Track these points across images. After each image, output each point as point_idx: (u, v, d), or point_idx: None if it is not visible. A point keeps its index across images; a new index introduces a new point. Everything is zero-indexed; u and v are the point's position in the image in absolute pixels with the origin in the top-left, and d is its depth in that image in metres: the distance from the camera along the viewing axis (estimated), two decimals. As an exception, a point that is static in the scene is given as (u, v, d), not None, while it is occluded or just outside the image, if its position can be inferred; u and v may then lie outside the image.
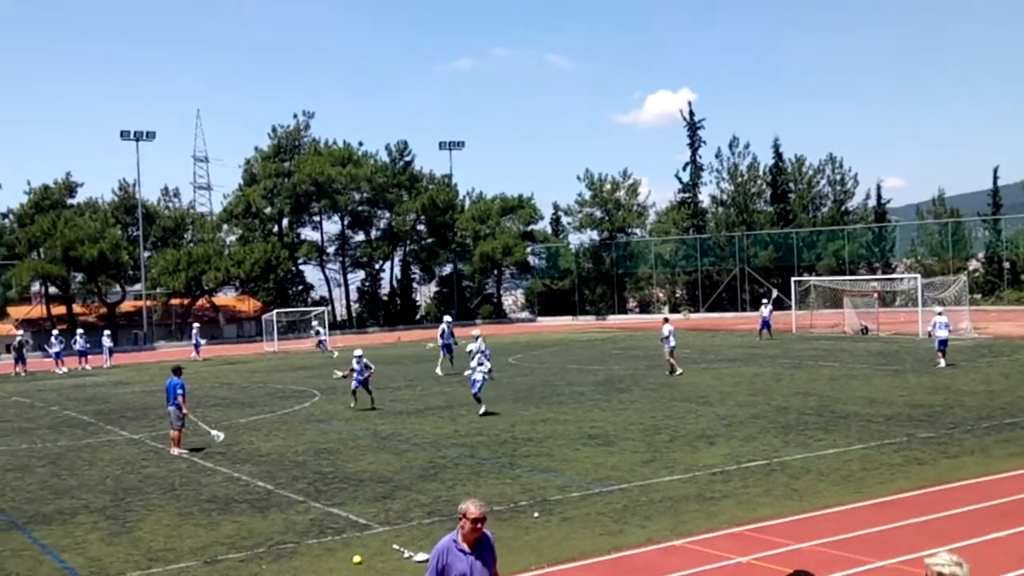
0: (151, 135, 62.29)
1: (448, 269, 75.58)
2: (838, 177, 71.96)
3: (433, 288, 78.13)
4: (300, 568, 10.27)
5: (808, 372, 27.51)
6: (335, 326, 63.52)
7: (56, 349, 42.61)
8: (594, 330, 57.93)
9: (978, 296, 58.86)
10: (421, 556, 10.22)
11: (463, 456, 16.43)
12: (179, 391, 18.23)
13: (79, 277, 61.95)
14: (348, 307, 73.28)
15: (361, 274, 74.54)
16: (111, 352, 44.24)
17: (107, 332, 46.32)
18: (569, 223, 76.40)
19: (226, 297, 69.91)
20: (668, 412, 20.54)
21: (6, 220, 64.51)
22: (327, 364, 35.40)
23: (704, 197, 74.30)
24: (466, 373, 22.58)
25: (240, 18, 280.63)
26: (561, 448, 16.73)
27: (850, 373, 26.83)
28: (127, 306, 64.36)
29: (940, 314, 29.22)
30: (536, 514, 12.05)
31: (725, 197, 72.73)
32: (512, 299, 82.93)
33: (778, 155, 71.71)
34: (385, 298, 74.60)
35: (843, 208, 71.56)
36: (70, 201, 65.23)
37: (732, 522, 11.27)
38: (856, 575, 9.26)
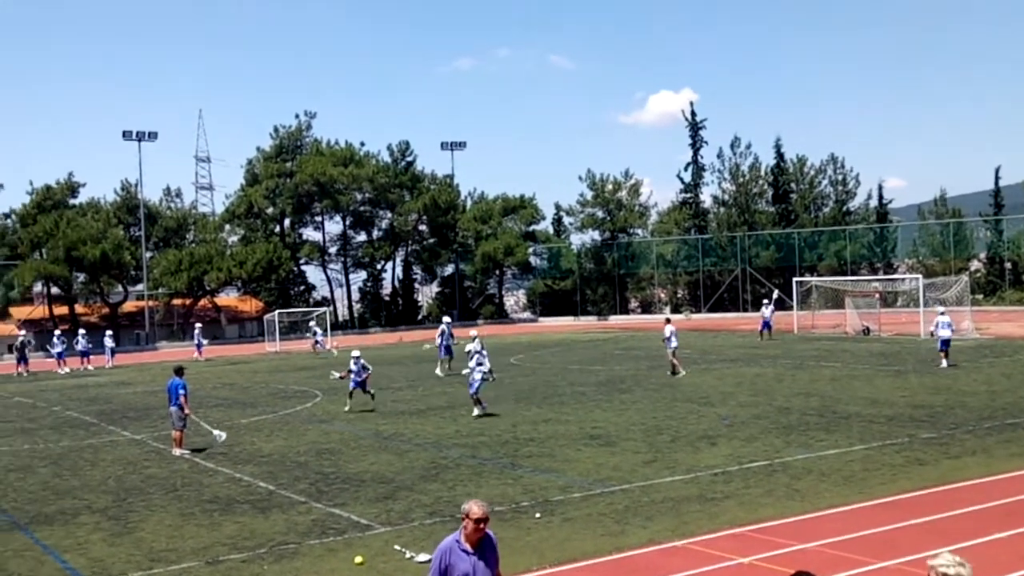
0: (153, 135, 62.36)
1: (450, 269, 75.59)
2: (840, 177, 71.94)
3: (435, 288, 78.15)
4: (302, 569, 10.28)
5: (810, 372, 27.50)
6: (337, 326, 63.53)
7: (58, 349, 42.63)
8: (596, 330, 57.92)
9: (980, 296, 58.79)
10: (423, 557, 10.22)
11: (465, 456, 16.44)
12: (181, 391, 18.24)
13: (81, 277, 62.00)
14: (350, 307, 73.28)
15: (363, 274, 74.61)
16: (113, 352, 44.27)
17: (109, 332, 46.35)
18: (571, 223, 76.47)
19: (228, 297, 69.95)
20: (670, 412, 20.54)
21: (8, 220, 64.60)
22: (326, 365, 35.39)
23: (706, 197, 74.43)
24: (464, 372, 22.56)
25: (242, 18, 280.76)
26: (563, 448, 16.74)
27: (852, 373, 26.81)
28: (129, 306, 64.40)
29: (943, 314, 29.19)
30: (538, 514, 12.05)
31: (727, 197, 72.72)
32: (514, 299, 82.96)
33: (780, 155, 71.71)
34: (387, 298, 74.61)
35: (845, 208, 71.50)
36: (72, 201, 65.31)
37: (734, 523, 11.27)
38: (858, 575, 9.27)
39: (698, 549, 10.30)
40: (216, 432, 18.79)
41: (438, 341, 33.08)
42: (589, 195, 73.88)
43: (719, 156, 72.83)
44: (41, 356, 47.46)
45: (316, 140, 71.23)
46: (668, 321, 29.86)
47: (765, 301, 44.41)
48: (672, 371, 28.03)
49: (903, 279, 56.31)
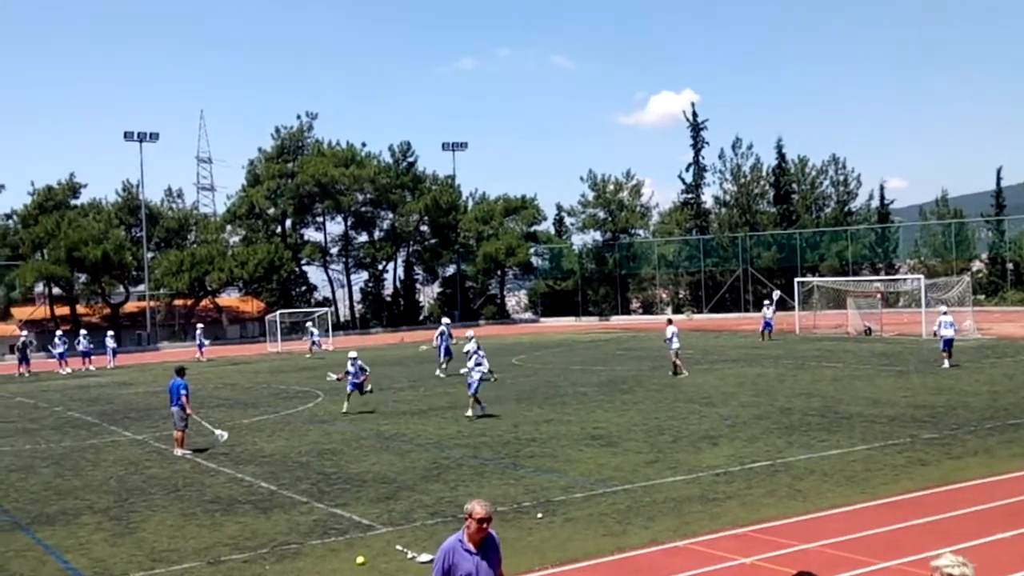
0: (155, 136, 62.36)
1: (451, 270, 75.59)
2: (841, 178, 71.93)
3: (436, 289, 78.17)
4: (303, 569, 10.28)
5: (811, 373, 27.48)
6: (338, 327, 63.53)
7: (60, 350, 42.64)
8: (597, 331, 57.92)
9: (981, 297, 58.75)
10: (424, 557, 10.22)
11: (466, 457, 16.43)
12: (182, 392, 18.24)
13: (83, 278, 62.04)
14: (351, 308, 73.30)
15: (364, 275, 74.62)
16: (114, 353, 44.28)
17: (110, 333, 46.35)
18: (572, 224, 76.46)
19: (229, 298, 69.94)
20: (671, 413, 20.53)
21: (10, 221, 64.68)
22: (323, 365, 35.33)
23: (707, 198, 74.36)
24: (462, 371, 22.50)
25: (243, 19, 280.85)
26: (564, 449, 16.73)
27: (853, 374, 26.80)
28: (131, 307, 64.43)
29: (945, 313, 29.12)
30: (539, 515, 12.05)
31: (728, 198, 72.70)
32: (515, 300, 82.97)
33: (781, 156, 71.69)
34: (388, 299, 74.62)
35: (846, 209, 71.48)
36: (74, 202, 65.37)
37: (736, 523, 11.26)
38: (860, 575, 9.26)
39: (700, 549, 10.29)
40: (218, 432, 18.80)
41: (437, 342, 33.04)
42: (590, 195, 73.89)
43: (720, 157, 72.96)
44: (43, 356, 47.49)
45: (317, 141, 71.32)
46: (670, 322, 29.84)
47: (766, 302, 44.38)
48: (674, 371, 28.02)
49: (905, 279, 56.30)
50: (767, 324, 41.53)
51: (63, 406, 27.80)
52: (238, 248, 66.70)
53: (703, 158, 73.12)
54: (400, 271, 75.24)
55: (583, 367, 32.70)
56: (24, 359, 41.94)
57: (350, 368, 23.11)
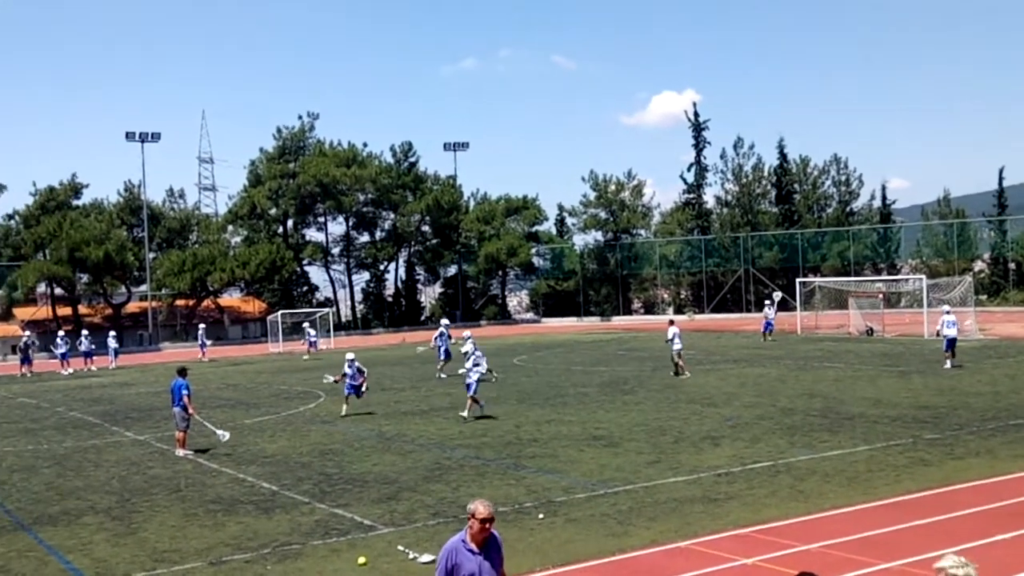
0: (156, 136, 62.42)
1: (453, 270, 75.61)
2: (843, 178, 71.92)
3: (438, 289, 78.21)
4: (305, 569, 10.28)
5: (813, 373, 27.46)
6: (340, 327, 63.56)
7: (62, 350, 42.66)
8: (599, 331, 57.92)
9: (983, 297, 58.71)
10: (426, 557, 10.23)
11: (468, 457, 16.43)
12: (184, 392, 18.25)
13: (84, 278, 62.07)
14: (353, 308, 73.32)
15: (366, 275, 74.65)
16: (116, 353, 44.28)
17: (112, 333, 46.36)
18: (574, 224, 76.51)
19: (231, 298, 69.96)
20: (673, 413, 20.52)
21: (12, 221, 64.75)
22: (320, 367, 35.33)
23: (709, 198, 74.41)
24: (460, 372, 22.44)
25: (245, 19, 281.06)
26: (566, 449, 16.73)
27: (855, 374, 26.78)
28: (132, 307, 64.46)
29: (948, 313, 29.02)
30: (541, 515, 12.04)
31: (730, 198, 72.68)
32: (516, 300, 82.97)
33: (783, 156, 71.71)
34: (390, 299, 74.66)
35: (848, 209, 71.47)
36: (75, 202, 65.43)
37: (737, 523, 11.26)
38: (862, 577, 9.25)
39: (702, 550, 10.29)
40: (219, 432, 18.80)
41: (436, 343, 32.93)
42: (592, 196, 73.90)
43: (722, 157, 72.96)
44: (45, 357, 47.53)
45: (319, 141, 71.34)
46: (672, 323, 29.83)
47: (767, 302, 44.39)
48: (675, 372, 28.00)
49: (907, 280, 56.31)
50: (768, 324, 41.53)
51: (65, 406, 27.82)
52: (240, 248, 66.75)
53: (705, 158, 73.27)
54: (401, 271, 75.36)
55: (584, 367, 32.69)
56: (26, 359, 41.98)
57: (347, 370, 22.77)
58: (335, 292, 73.54)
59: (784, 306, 48.74)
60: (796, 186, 72.05)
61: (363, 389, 23.11)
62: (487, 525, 6.10)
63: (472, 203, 75.28)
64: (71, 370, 41.80)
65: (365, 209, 71.56)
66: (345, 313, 72.66)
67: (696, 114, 72.82)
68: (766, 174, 71.97)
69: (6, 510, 13.99)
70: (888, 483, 13.06)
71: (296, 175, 68.24)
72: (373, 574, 10.06)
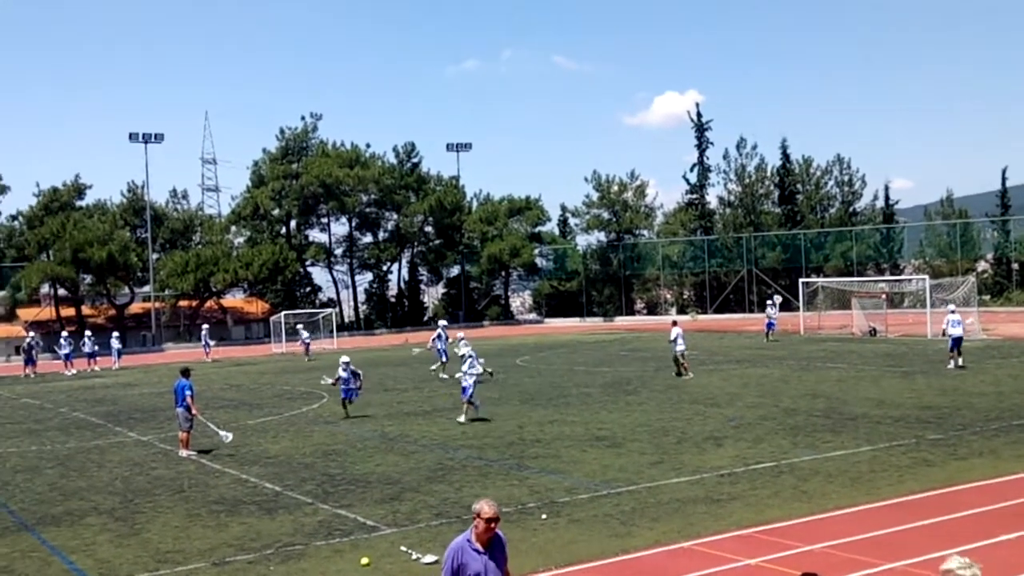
0: (159, 137, 62.54)
1: (455, 271, 75.64)
2: (846, 178, 71.82)
3: (441, 290, 78.22)
4: (308, 570, 10.28)
5: (816, 374, 27.44)
6: (343, 328, 63.61)
7: (65, 351, 42.72)
8: (601, 332, 57.90)
9: (987, 297, 58.68)
10: (429, 558, 10.23)
11: (471, 458, 16.44)
12: (187, 392, 18.27)
13: (88, 279, 62.12)
14: (356, 309, 73.36)
15: (369, 276, 74.71)
16: (120, 354, 44.33)
17: (116, 334, 46.41)
18: (576, 224, 76.54)
19: (234, 299, 70.05)
20: (676, 414, 20.51)
21: (15, 222, 64.85)
22: (316, 368, 35.37)
23: (712, 198, 74.35)
24: (457, 375, 22.29)
25: (247, 20, 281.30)
26: (569, 450, 16.73)
27: (858, 375, 26.75)
28: (136, 308, 64.55)
29: (953, 312, 28.91)
30: (544, 516, 12.04)
31: (733, 198, 72.62)
32: (519, 300, 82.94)
33: (785, 156, 71.63)
34: (393, 300, 74.71)
35: (851, 209, 71.39)
36: (79, 203, 65.56)
37: (740, 524, 11.25)
38: (865, 577, 9.24)
39: (705, 550, 10.28)
40: (223, 433, 18.82)
41: (434, 344, 32.71)
42: (595, 196, 73.88)
43: (725, 157, 72.82)
44: (48, 357, 47.59)
45: (322, 142, 71.41)
46: (675, 323, 29.81)
47: (769, 302, 44.36)
48: (677, 372, 27.98)
49: (910, 280, 56.26)
50: (770, 324, 41.50)
51: (68, 407, 27.86)
52: (243, 249, 66.82)
53: (707, 158, 73.22)
54: (404, 272, 75.41)
55: (587, 368, 32.69)
56: (30, 360, 42.04)
57: (342, 373, 22.42)
58: (338, 293, 73.65)
59: (787, 307, 48.73)
60: (799, 186, 71.96)
61: (355, 394, 22.56)
62: (492, 525, 6.11)
63: (475, 204, 75.32)
64: (74, 371, 41.86)
65: (368, 210, 71.61)
66: (348, 314, 72.69)
67: (699, 114, 72.86)
68: (769, 174, 71.91)
69: (10, 511, 14.01)
70: (891, 483, 13.05)
71: (299, 176, 68.30)
72: (376, 575, 10.07)
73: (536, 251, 73.11)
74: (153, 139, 62.13)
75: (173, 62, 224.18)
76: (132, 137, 61.62)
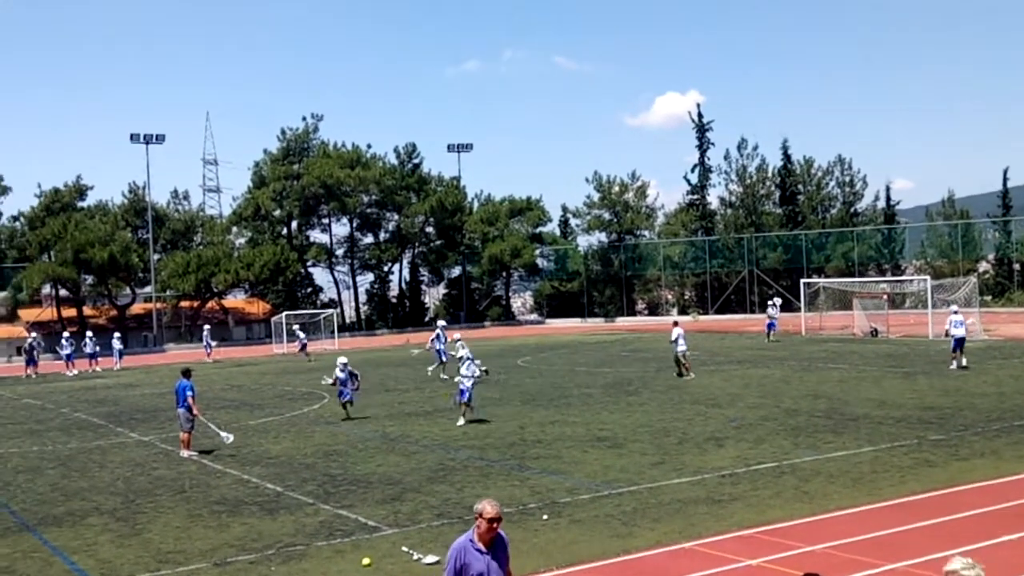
0: (160, 138, 62.57)
1: (457, 271, 75.66)
2: (847, 179, 71.81)
3: (442, 290, 78.23)
4: (309, 570, 10.28)
5: (818, 374, 27.43)
6: (344, 328, 63.61)
7: (67, 351, 42.75)
8: (603, 332, 57.88)
9: (988, 298, 58.62)
10: (430, 558, 10.23)
11: (472, 458, 16.43)
12: (188, 393, 18.28)
13: (89, 279, 62.17)
14: (357, 309, 73.39)
15: (370, 276, 74.73)
16: (121, 354, 44.34)
17: (117, 334, 46.41)
18: (578, 225, 76.49)
19: (235, 299, 70.11)
20: (677, 414, 20.51)
21: (17, 223, 64.86)
22: (315, 368, 35.38)
23: (713, 199, 74.34)
24: (456, 379, 22.10)
25: (249, 20, 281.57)
26: (570, 450, 16.72)
27: (860, 375, 26.74)
28: (137, 308, 64.58)
29: (956, 312, 28.85)
30: (545, 516, 12.04)
31: (734, 199, 72.60)
32: (521, 301, 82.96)
33: (787, 157, 71.63)
34: (394, 300, 74.72)
35: (852, 210, 71.38)
36: (80, 204, 65.62)
37: (742, 524, 11.24)
38: (867, 578, 9.23)
39: (706, 551, 10.28)
40: (223, 434, 18.83)
41: (432, 345, 32.52)
42: (596, 197, 73.88)
43: (726, 158, 72.81)
44: (50, 358, 47.60)
45: (323, 142, 71.43)
46: (676, 324, 29.80)
47: (770, 303, 44.35)
48: (679, 373, 27.96)
49: (911, 280, 56.22)
50: (771, 325, 41.49)
51: (70, 407, 27.87)
52: (244, 250, 66.87)
53: (709, 159, 73.24)
54: (405, 273, 75.43)
55: (588, 369, 32.68)
56: (31, 361, 42.06)
57: (339, 374, 22.35)
58: (339, 293, 73.67)
59: (788, 307, 48.68)
60: (800, 187, 71.94)
61: (353, 395, 22.40)
62: (495, 525, 6.11)
63: (476, 204, 75.32)
64: (76, 371, 41.88)
65: (369, 210, 71.64)
66: (349, 314, 72.71)
67: (700, 115, 72.89)
68: (770, 175, 71.89)
69: (11, 511, 14.01)
70: (893, 484, 13.04)
71: (300, 176, 68.32)
72: (377, 575, 10.06)
73: (537, 252, 73.11)
74: (154, 140, 62.18)
75: (174, 63, 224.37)
76: (133, 138, 61.68)
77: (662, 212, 75.65)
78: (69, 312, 61.35)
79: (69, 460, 18.35)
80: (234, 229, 71.30)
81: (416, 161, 73.74)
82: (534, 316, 77.34)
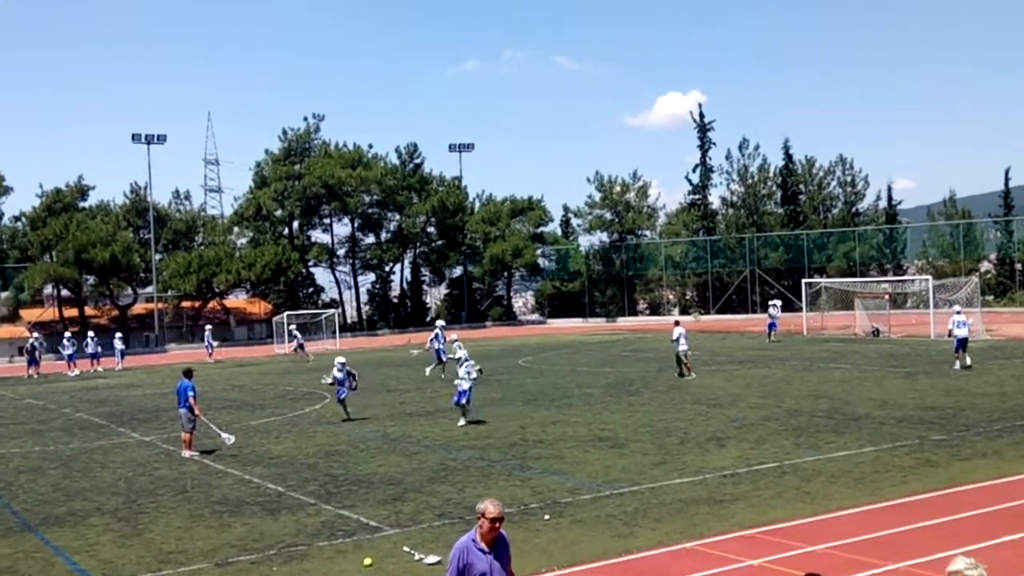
0: (162, 138, 62.58)
1: (458, 271, 75.66)
2: (848, 178, 71.81)
3: (443, 290, 78.23)
4: (311, 570, 10.29)
5: (819, 374, 27.41)
6: (346, 328, 63.62)
7: (68, 351, 42.78)
8: (604, 332, 57.87)
9: (990, 298, 58.58)
10: (431, 559, 10.23)
11: (473, 458, 16.43)
12: (190, 393, 18.29)
13: (91, 280, 62.24)
14: (359, 309, 73.41)
15: (371, 276, 74.72)
16: (123, 354, 44.34)
17: (119, 334, 46.44)
18: (579, 225, 76.50)
19: (237, 299, 70.13)
20: (678, 414, 20.50)
21: (19, 223, 64.90)
22: (314, 369, 35.37)
23: (714, 199, 74.38)
24: (456, 382, 22.03)
25: (250, 21, 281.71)
26: (571, 450, 16.72)
27: (861, 375, 26.72)
28: (138, 308, 64.63)
29: (959, 312, 28.80)
30: (546, 516, 12.04)
31: (735, 199, 72.61)
32: (522, 301, 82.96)
33: (788, 156, 71.61)
34: (395, 300, 74.72)
35: (854, 210, 71.36)
36: (82, 204, 65.62)
37: (743, 524, 11.24)
38: (868, 578, 9.23)
39: (707, 551, 10.27)
40: (224, 435, 18.83)
41: (431, 345, 32.41)
42: (597, 197, 73.89)
43: (727, 158, 72.86)
44: (52, 358, 47.63)
45: (324, 142, 71.45)
46: (677, 323, 29.79)
47: (771, 303, 44.33)
48: (680, 373, 27.95)
49: (913, 280, 56.19)
50: (772, 325, 41.47)
51: (71, 408, 27.89)
52: (245, 250, 66.90)
53: (710, 159, 73.25)
54: (407, 273, 75.43)
55: (590, 368, 32.68)
56: (33, 361, 42.09)
57: (337, 374, 22.30)
58: (341, 293, 73.67)
59: (789, 307, 48.65)
60: (801, 187, 71.93)
61: (346, 395, 22.24)
62: (497, 524, 6.12)
63: (477, 204, 75.33)
64: (77, 371, 41.90)
65: (371, 210, 71.65)
66: (351, 314, 72.73)
67: (701, 115, 72.94)
68: (771, 175, 71.88)
69: (13, 511, 14.02)
70: (894, 484, 13.03)
71: (302, 177, 68.34)
72: (379, 575, 10.06)
73: (538, 251, 73.12)
74: (156, 140, 62.19)
75: (175, 63, 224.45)
76: (135, 138, 61.69)
77: (663, 212, 75.78)
78: (71, 312, 61.39)
79: (71, 460, 18.36)
80: (235, 229, 71.33)
81: (417, 161, 73.82)
82: (535, 316, 77.34)
